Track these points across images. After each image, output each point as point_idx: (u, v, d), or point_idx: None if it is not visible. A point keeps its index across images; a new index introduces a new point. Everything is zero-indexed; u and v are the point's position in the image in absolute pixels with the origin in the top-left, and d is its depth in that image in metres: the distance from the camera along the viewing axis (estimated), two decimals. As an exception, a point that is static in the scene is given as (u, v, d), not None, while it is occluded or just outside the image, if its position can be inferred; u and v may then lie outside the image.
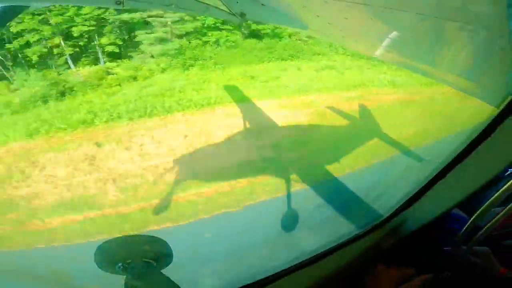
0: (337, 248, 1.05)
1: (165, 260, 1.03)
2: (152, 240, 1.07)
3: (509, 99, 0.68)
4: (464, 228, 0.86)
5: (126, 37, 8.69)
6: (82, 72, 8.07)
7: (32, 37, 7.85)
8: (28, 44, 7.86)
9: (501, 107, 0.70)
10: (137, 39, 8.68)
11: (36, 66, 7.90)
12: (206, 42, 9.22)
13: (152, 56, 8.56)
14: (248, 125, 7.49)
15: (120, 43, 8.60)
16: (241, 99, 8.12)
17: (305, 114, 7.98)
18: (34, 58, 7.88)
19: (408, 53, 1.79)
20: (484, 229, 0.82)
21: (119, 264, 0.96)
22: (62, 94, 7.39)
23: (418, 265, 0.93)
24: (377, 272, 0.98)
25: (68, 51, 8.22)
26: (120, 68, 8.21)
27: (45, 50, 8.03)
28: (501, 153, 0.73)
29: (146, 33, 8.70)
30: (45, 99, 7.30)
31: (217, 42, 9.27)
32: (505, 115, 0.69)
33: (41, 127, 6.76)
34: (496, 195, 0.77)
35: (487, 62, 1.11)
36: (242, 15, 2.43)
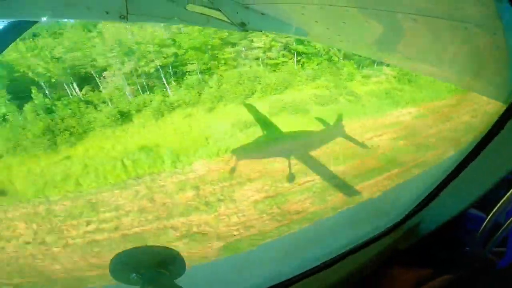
0: (354, 250, 1.03)
1: (178, 270, 1.03)
2: (165, 250, 1.08)
3: None
4: (482, 228, 0.83)
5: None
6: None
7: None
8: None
9: (509, 101, 0.69)
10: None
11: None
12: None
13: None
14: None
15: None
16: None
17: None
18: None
19: (407, 53, 1.80)
20: (502, 228, 0.80)
21: (133, 274, 0.97)
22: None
23: (436, 266, 0.91)
24: (395, 273, 0.96)
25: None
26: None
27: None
28: None
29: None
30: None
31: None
32: None
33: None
34: (509, 193, 0.75)
35: (486, 59, 1.11)
36: (243, 24, 2.49)
